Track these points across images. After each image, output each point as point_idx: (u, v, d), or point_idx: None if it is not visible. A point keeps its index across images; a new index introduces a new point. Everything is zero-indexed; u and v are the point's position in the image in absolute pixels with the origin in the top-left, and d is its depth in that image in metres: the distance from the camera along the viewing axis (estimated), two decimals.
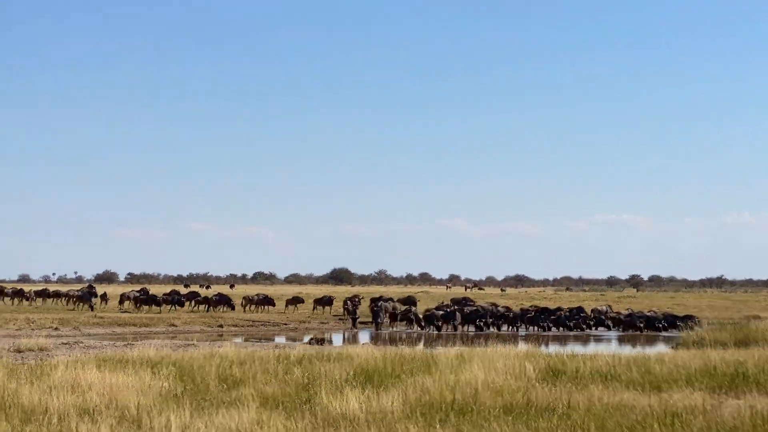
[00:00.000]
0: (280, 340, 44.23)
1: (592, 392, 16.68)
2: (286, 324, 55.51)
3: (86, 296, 62.76)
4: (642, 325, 53.74)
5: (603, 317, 57.19)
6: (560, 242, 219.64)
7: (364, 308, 58.35)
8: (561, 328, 53.81)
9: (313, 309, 64.55)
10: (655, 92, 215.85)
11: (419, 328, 52.24)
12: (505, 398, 16.04)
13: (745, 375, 19.41)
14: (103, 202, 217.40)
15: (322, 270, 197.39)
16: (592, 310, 59.84)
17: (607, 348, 35.74)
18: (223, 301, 62.84)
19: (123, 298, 64.66)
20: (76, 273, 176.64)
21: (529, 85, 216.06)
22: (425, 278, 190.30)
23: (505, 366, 19.85)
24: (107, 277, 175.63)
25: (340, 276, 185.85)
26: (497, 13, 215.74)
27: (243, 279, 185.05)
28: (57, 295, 68.96)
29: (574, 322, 54.64)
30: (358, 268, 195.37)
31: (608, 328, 55.73)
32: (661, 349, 34.99)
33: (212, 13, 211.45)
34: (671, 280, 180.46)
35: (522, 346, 29.03)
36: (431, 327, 51.95)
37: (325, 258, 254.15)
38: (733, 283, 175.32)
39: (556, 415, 14.59)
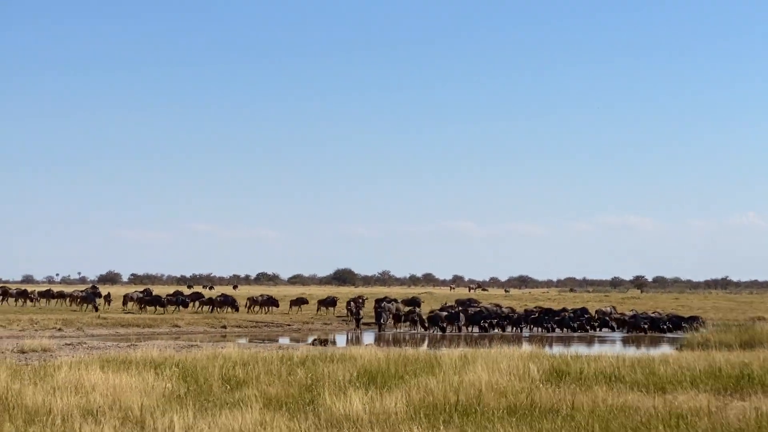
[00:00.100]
0: (284, 341, 44.24)
1: (596, 393, 16.64)
2: (289, 325, 55.50)
3: (90, 297, 62.82)
4: (646, 326, 53.67)
5: (607, 318, 57.15)
6: (564, 243, 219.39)
7: (368, 309, 58.36)
8: (565, 329, 53.77)
9: (317, 310, 64.57)
10: (658, 93, 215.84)
11: (423, 329, 52.20)
12: (509, 399, 16.00)
13: (751, 377, 19.38)
14: (106, 203, 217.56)
15: (325, 271, 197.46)
16: (597, 311, 59.81)
17: (612, 349, 35.75)
18: (227, 302, 62.76)
19: (126, 298, 64.67)
20: (79, 273, 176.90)
21: (532, 87, 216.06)
22: (429, 279, 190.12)
23: (509, 367, 19.81)
24: (110, 278, 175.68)
25: (343, 277, 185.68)
26: (501, 14, 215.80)
27: (246, 280, 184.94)
28: (61, 295, 68.97)
29: (578, 323, 54.59)
30: (362, 269, 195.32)
31: (612, 329, 55.68)
32: (665, 350, 34.94)
33: (215, 13, 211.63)
34: (675, 281, 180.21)
35: (526, 347, 28.98)
36: (435, 328, 51.90)
37: (328, 259, 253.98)
38: (738, 284, 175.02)
39: (560, 416, 14.56)
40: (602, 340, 48.68)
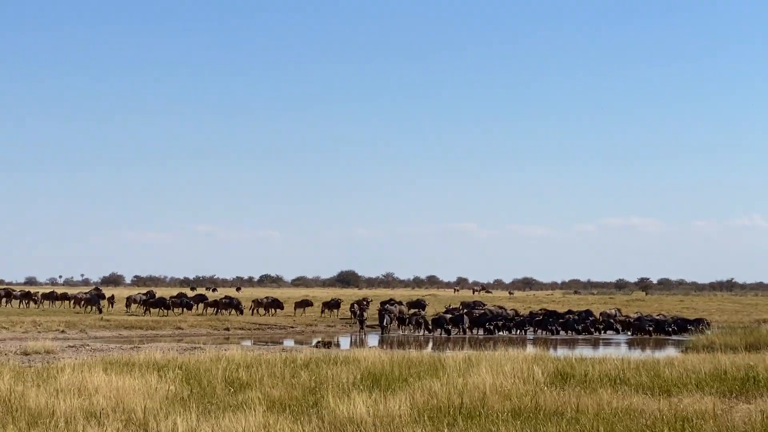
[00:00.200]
0: (287, 343, 44.22)
1: (601, 396, 16.57)
2: (293, 327, 55.47)
3: (95, 299, 62.86)
4: (651, 328, 53.56)
5: (612, 321, 57.05)
6: (568, 245, 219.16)
7: (372, 311, 58.31)
8: (569, 332, 53.66)
9: (322, 312, 64.54)
10: (663, 94, 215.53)
11: (427, 332, 52.13)
12: (513, 402, 15.94)
13: (756, 379, 19.32)
14: (109, 205, 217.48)
15: (328, 273, 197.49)
16: (601, 314, 59.70)
17: (616, 352, 35.64)
18: (232, 304, 62.73)
19: (129, 300, 64.62)
20: (82, 275, 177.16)
21: (536, 88, 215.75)
22: (433, 281, 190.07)
23: (514, 369, 19.76)
24: (113, 280, 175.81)
25: (347, 279, 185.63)
26: (504, 15, 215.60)
27: (249, 282, 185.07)
28: (65, 297, 69.00)
29: (583, 326, 54.48)
30: (365, 271, 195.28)
31: (617, 331, 55.57)
32: (670, 352, 34.87)
33: (217, 14, 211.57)
34: (681, 284, 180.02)
35: (530, 350, 28.93)
36: (440, 330, 51.83)
37: (332, 261, 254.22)
38: (744, 287, 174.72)
39: (565, 419, 14.50)
40: (607, 343, 48.59)
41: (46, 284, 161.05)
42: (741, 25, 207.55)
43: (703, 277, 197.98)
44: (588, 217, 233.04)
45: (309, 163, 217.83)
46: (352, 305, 61.22)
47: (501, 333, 52.59)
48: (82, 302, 64.01)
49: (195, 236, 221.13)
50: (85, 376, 18.31)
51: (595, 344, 46.96)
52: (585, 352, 32.46)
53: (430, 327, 52.44)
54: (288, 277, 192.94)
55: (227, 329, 52.31)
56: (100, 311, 59.71)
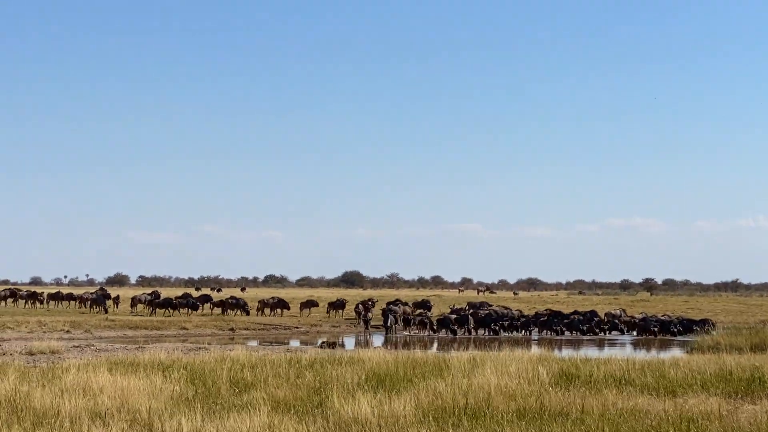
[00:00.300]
0: (292, 343, 44.21)
1: (606, 397, 16.56)
2: (297, 327, 55.47)
3: (101, 299, 62.97)
4: (656, 329, 53.51)
5: (617, 321, 57.02)
6: (573, 245, 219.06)
7: (377, 312, 58.33)
8: (574, 332, 53.62)
9: (327, 312, 64.60)
10: (667, 94, 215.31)
11: (432, 332, 52.11)
12: (518, 403, 15.93)
13: (762, 380, 19.31)
14: (114, 205, 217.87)
15: (333, 273, 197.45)
16: (606, 314, 59.67)
17: (621, 352, 35.60)
18: (238, 304, 62.84)
19: (134, 301, 64.71)
20: (87, 276, 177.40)
21: (541, 90, 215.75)
22: (437, 281, 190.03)
23: (518, 370, 19.75)
24: (118, 280, 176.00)
25: (351, 279, 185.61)
26: (507, 16, 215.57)
27: (254, 282, 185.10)
28: (71, 297, 69.09)
29: (588, 326, 54.44)
30: (370, 272, 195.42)
31: (622, 332, 55.55)
32: (675, 353, 34.81)
33: (224, 14, 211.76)
34: (685, 284, 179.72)
35: (535, 350, 28.89)
36: (444, 331, 51.79)
37: (337, 261, 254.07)
38: (748, 287, 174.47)
39: (570, 420, 14.48)
40: (612, 343, 48.54)
41: (51, 284, 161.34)
42: (743, 24, 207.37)
43: (708, 277, 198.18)
44: (592, 217, 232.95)
45: (314, 163, 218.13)
46: (356, 306, 61.22)
47: (506, 333, 52.59)
48: (88, 302, 64.10)
49: (200, 237, 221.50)
50: (90, 376, 18.31)
51: (599, 345, 46.91)
52: (590, 352, 32.43)
53: (435, 327, 52.42)
54: (292, 277, 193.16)
55: (232, 329, 52.33)
56: (106, 311, 59.80)
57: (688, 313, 67.33)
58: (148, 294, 66.52)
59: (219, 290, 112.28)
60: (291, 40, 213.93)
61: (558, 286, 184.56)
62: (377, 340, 47.53)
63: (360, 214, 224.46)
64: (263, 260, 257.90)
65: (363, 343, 42.46)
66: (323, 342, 40.46)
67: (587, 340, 50.92)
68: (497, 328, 52.88)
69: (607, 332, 55.19)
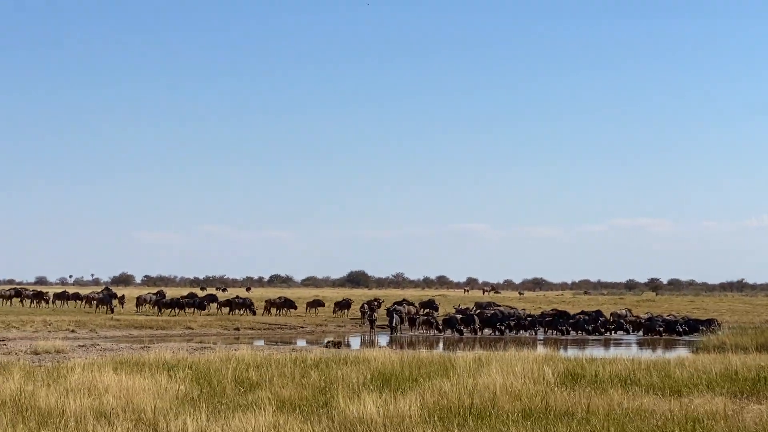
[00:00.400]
0: (297, 343, 44.21)
1: (611, 397, 16.54)
2: (302, 327, 55.47)
3: (107, 298, 63.08)
4: (661, 329, 53.46)
5: (622, 321, 56.97)
6: (578, 245, 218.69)
7: (382, 311, 58.33)
8: (580, 332, 53.59)
9: (334, 312, 64.69)
10: (674, 94, 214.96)
11: (437, 332, 52.09)
12: (523, 402, 15.91)
13: (767, 380, 19.24)
14: (120, 205, 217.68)
15: (338, 273, 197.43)
16: (612, 314, 59.64)
17: (627, 352, 35.56)
18: (245, 304, 63.02)
19: (140, 300, 64.78)
20: (92, 275, 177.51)
21: (547, 89, 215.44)
22: (443, 281, 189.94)
23: (524, 370, 19.73)
24: (124, 280, 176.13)
25: (356, 279, 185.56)
26: (512, 14, 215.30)
27: (259, 282, 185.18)
28: (77, 297, 69.17)
29: (593, 326, 54.41)
30: (375, 271, 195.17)
31: (627, 332, 55.49)
32: (681, 353, 34.78)
33: (228, 15, 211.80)
34: (691, 284, 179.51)
35: (541, 350, 28.89)
36: (450, 331, 51.78)
37: (342, 261, 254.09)
38: (754, 287, 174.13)
39: (576, 419, 14.46)
40: (617, 343, 48.50)
41: (57, 284, 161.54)
42: (749, 22, 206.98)
43: (714, 277, 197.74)
44: (598, 217, 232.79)
45: (319, 163, 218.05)
46: (362, 306, 61.21)
47: (512, 333, 52.59)
48: (94, 302, 64.21)
49: (205, 236, 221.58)
50: (95, 375, 18.34)
51: (605, 344, 46.87)
52: (595, 352, 32.43)
53: (441, 327, 52.41)
54: (298, 277, 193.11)
55: (237, 329, 52.36)
56: (112, 311, 59.89)
57: (694, 313, 67.25)
58: (154, 294, 66.56)
59: (224, 290, 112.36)
60: (295, 40, 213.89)
61: (563, 286, 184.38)
62: (382, 339, 47.52)
63: (365, 213, 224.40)
64: (268, 260, 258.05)
65: (368, 343, 42.44)
66: (328, 342, 40.45)
67: (593, 339, 50.88)
68: (503, 327, 52.87)
69: (613, 332, 55.15)
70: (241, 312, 61.78)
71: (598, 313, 58.64)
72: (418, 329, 53.48)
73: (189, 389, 17.75)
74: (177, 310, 60.84)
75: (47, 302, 67.02)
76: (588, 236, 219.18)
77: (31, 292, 70.27)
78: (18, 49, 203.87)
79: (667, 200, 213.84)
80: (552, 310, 61.83)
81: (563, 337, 51.60)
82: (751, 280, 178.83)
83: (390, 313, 54.43)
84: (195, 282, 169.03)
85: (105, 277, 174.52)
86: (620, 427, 13.88)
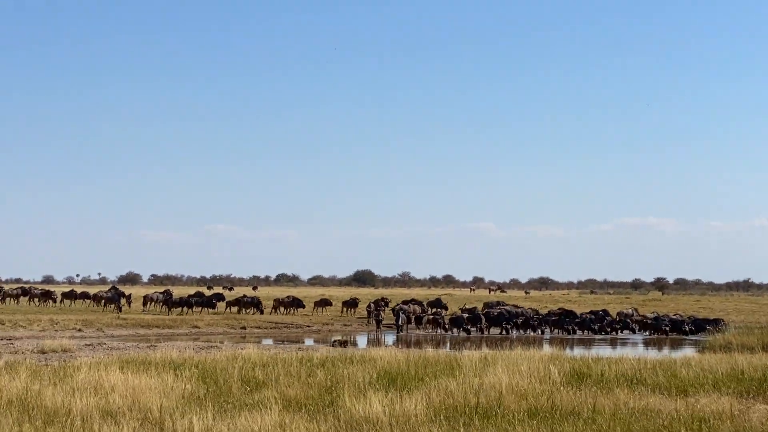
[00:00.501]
0: (304, 342, 44.22)
1: (617, 396, 16.54)
2: (309, 326, 55.50)
3: (115, 298, 63.15)
4: (668, 328, 53.43)
5: (629, 320, 56.94)
6: (585, 244, 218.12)
7: (389, 311, 58.38)
8: (586, 331, 53.59)
9: (341, 311, 64.78)
10: (680, 94, 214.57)
11: (443, 331, 52.10)
12: (529, 402, 15.91)
13: None
14: (127, 204, 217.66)
15: (345, 272, 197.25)
16: (618, 313, 59.63)
17: (633, 351, 35.56)
18: (253, 303, 63.25)
19: (146, 299, 64.88)
20: (99, 274, 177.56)
21: (554, 88, 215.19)
22: (449, 280, 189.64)
23: (530, 369, 19.73)
24: (130, 279, 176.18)
25: (363, 278, 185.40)
26: (519, 14, 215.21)
27: (266, 281, 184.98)
28: (85, 296, 69.25)
29: (599, 326, 54.41)
30: (382, 270, 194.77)
31: (633, 331, 55.49)
32: (687, 352, 34.74)
33: (233, 15, 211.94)
34: (697, 283, 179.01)
35: (547, 349, 28.87)
36: (457, 330, 51.81)
37: (348, 260, 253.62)
38: (760, 287, 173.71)
39: (581, 419, 14.46)
40: (623, 343, 48.49)
41: (63, 283, 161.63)
42: (757, 20, 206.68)
43: (720, 277, 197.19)
44: (604, 216, 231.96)
45: (325, 162, 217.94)
46: (368, 305, 61.23)
47: (519, 332, 52.62)
48: (103, 301, 64.33)
49: (212, 235, 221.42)
50: (102, 374, 18.37)
51: (611, 344, 46.86)
52: (601, 351, 32.40)
53: (447, 326, 52.43)
54: (304, 276, 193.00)
55: (244, 328, 52.41)
56: (120, 310, 59.98)
57: (700, 313, 67.21)
58: (161, 293, 66.65)
59: (231, 289, 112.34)
60: (299, 39, 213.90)
61: (569, 286, 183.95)
62: (389, 338, 47.54)
63: (372, 213, 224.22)
64: (275, 259, 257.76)
65: (374, 342, 42.48)
66: (335, 341, 40.48)
67: (599, 339, 50.88)
68: (509, 327, 52.89)
69: (619, 331, 55.14)
70: (250, 311, 61.95)
71: (605, 312, 58.61)
72: (424, 328, 53.50)
73: (195, 388, 17.77)
74: (185, 309, 60.98)
75: (54, 301, 67.08)
76: (594, 235, 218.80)
77: (39, 291, 70.34)
78: (18, 49, 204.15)
79: (673, 200, 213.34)
80: (559, 309, 61.81)
81: (569, 337, 51.61)
82: (758, 280, 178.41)
83: (396, 312, 54.48)
84: (202, 281, 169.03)
85: (112, 276, 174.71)
86: (626, 426, 13.87)
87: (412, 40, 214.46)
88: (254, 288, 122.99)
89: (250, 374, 19.90)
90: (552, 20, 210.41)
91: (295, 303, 64.66)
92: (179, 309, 61.16)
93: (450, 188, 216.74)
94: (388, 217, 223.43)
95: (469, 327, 51.88)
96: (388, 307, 60.87)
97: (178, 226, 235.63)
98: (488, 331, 52.52)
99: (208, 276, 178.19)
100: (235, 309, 63.23)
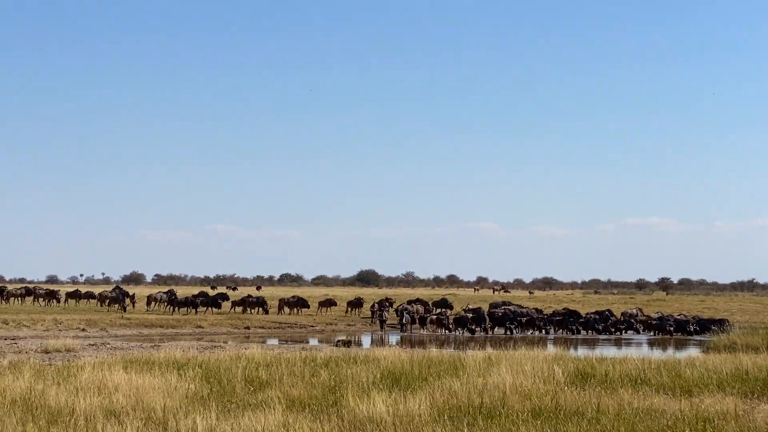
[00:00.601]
0: (308, 342, 44.22)
1: (621, 396, 16.52)
2: (313, 326, 55.49)
3: (120, 297, 63.22)
4: (672, 328, 53.39)
5: (633, 320, 56.91)
6: (589, 244, 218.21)
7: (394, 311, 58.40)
8: (590, 332, 53.55)
9: (346, 311, 64.83)
10: (683, 94, 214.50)
11: (447, 331, 52.08)
12: (533, 402, 15.89)
13: None
14: (130, 204, 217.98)
15: (348, 272, 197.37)
16: (622, 314, 59.62)
17: (637, 352, 35.50)
18: (258, 303, 63.36)
19: (150, 299, 64.93)
20: (103, 274, 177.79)
21: (557, 88, 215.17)
22: (453, 280, 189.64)
23: (534, 369, 19.71)
24: (134, 278, 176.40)
25: (366, 278, 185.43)
26: (525, 13, 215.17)
27: (270, 281, 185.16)
28: (90, 296, 69.32)
29: (603, 326, 54.37)
30: (385, 270, 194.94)
31: (637, 331, 55.43)
32: (691, 353, 34.71)
33: (237, 15, 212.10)
34: (701, 284, 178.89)
35: (551, 349, 28.84)
36: (461, 330, 51.80)
37: (352, 260, 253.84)
38: (765, 287, 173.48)
39: (585, 419, 14.43)
40: (628, 343, 48.44)
41: (67, 283, 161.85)
42: (761, 20, 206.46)
43: (724, 277, 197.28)
44: (609, 216, 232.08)
45: (329, 162, 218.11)
46: (372, 305, 61.24)
47: (523, 332, 52.60)
48: (107, 301, 64.40)
49: (215, 235, 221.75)
50: (105, 374, 18.37)
51: (615, 344, 46.80)
52: (606, 352, 32.36)
53: (451, 326, 52.44)
54: (308, 276, 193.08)
55: (247, 328, 52.42)
56: (125, 310, 60.07)
57: (704, 313, 67.14)
58: (164, 292, 66.71)
59: (235, 289, 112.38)
60: (302, 39, 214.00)
61: (573, 286, 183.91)
62: (393, 339, 47.52)
63: (375, 213, 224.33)
64: (278, 259, 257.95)
65: (378, 342, 42.44)
66: (339, 340, 40.46)
67: (603, 339, 50.83)
68: (512, 327, 52.88)
69: (623, 332, 55.08)
70: (256, 311, 62.09)
71: (609, 312, 58.59)
72: (428, 328, 53.49)
73: (199, 388, 17.76)
74: (189, 309, 61.04)
75: (59, 301, 67.14)
76: (598, 236, 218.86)
77: (44, 291, 70.43)
78: (19, 49, 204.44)
79: (677, 200, 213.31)
80: (563, 309, 61.76)
81: (573, 337, 51.58)
82: (762, 280, 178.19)
83: (400, 312, 54.45)
84: (205, 281, 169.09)
85: (115, 276, 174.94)
86: (630, 426, 13.85)
87: (414, 41, 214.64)
88: (258, 288, 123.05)
89: (253, 374, 19.90)
90: (554, 20, 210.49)
91: (300, 303, 64.72)
92: (184, 309, 61.23)
93: (453, 188, 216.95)
94: (391, 217, 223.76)
95: (473, 327, 51.87)
96: (392, 307, 60.84)
97: (182, 226, 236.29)
98: (492, 331, 52.51)
99: (211, 276, 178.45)
100: (239, 309, 63.36)
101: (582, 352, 32.83)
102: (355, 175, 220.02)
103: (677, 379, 19.46)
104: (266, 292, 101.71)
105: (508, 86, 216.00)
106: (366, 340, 46.54)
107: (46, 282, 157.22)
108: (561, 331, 54.01)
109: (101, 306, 64.25)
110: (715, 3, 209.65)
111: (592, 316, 56.26)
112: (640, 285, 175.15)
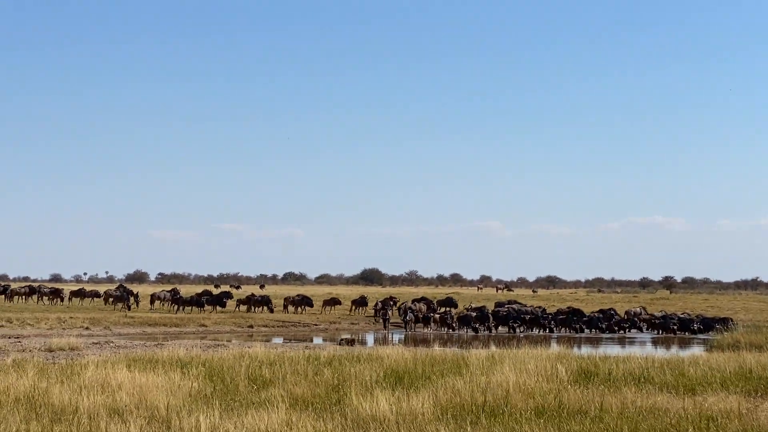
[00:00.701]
0: (311, 340, 44.23)
1: (625, 395, 16.51)
2: (316, 325, 55.50)
3: (125, 296, 63.27)
4: (676, 327, 53.35)
5: (636, 319, 56.87)
6: (592, 243, 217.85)
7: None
8: (593, 330, 53.54)
9: (350, 310, 64.85)
10: (687, 93, 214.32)
11: (451, 330, 52.07)
12: (536, 400, 15.88)
13: None
14: (134, 203, 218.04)
15: (352, 270, 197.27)
16: (626, 312, 59.55)
17: (641, 350, 35.49)
18: (263, 301, 63.48)
19: (154, 298, 65.00)
20: (107, 273, 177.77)
21: (561, 88, 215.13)
22: (456, 279, 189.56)
23: (537, 368, 19.70)
24: (138, 277, 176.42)
25: (370, 277, 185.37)
26: (528, 13, 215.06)
27: (273, 279, 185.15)
28: (95, 295, 69.38)
29: (607, 324, 54.35)
30: (389, 269, 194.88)
31: (641, 330, 55.39)
32: (695, 351, 34.69)
33: (242, 14, 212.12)
34: (705, 282, 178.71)
35: (554, 348, 28.83)
36: (465, 328, 51.79)
37: (356, 258, 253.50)
38: None
39: (589, 418, 14.43)
40: (631, 341, 48.40)
41: (71, 281, 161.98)
42: (764, 19, 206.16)
43: (728, 275, 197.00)
44: (612, 215, 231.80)
45: (332, 161, 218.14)
46: (376, 303, 61.25)
47: (526, 331, 52.60)
48: (111, 299, 64.46)
49: (219, 234, 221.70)
50: (109, 372, 18.39)
51: (619, 343, 46.78)
52: (609, 350, 32.35)
53: (455, 325, 52.43)
54: (311, 274, 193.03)
55: (251, 326, 52.42)
56: (129, 308, 60.12)
57: (708, 312, 67.10)
58: (168, 291, 66.76)
59: (238, 287, 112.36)
60: (305, 39, 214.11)
61: (577, 284, 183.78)
62: (396, 337, 47.52)
63: (379, 211, 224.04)
64: (282, 258, 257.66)
65: (382, 341, 42.45)
66: (342, 339, 40.45)
67: (607, 338, 50.80)
68: (516, 325, 52.87)
69: (627, 330, 55.05)
70: (261, 309, 62.17)
71: (613, 311, 58.57)
72: (432, 327, 53.48)
73: (202, 387, 17.78)
74: (198, 308, 61.12)
75: (62, 300, 67.22)
76: (602, 234, 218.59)
77: (48, 290, 70.50)
78: (21, 49, 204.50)
79: (681, 198, 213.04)
80: (567, 308, 61.73)
81: (577, 335, 51.56)
82: (766, 279, 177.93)
83: (403, 311, 54.46)
84: (209, 279, 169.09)
85: (119, 275, 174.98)
86: (633, 425, 13.84)
87: (417, 41, 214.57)
88: (262, 286, 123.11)
89: (257, 372, 19.91)
90: (557, 20, 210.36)
91: (305, 301, 64.76)
92: (188, 307, 61.29)
93: (457, 187, 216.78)
94: (394, 215, 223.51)
95: (476, 326, 51.86)
96: (395, 306, 60.84)
97: (185, 224, 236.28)
98: (496, 330, 52.50)
99: (215, 274, 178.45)
100: (244, 308, 63.42)
101: (585, 350, 32.80)
102: (359, 173, 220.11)
103: (681, 377, 19.46)
104: (270, 290, 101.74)
105: (512, 86, 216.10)
106: (370, 339, 46.53)
107: (50, 280, 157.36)
108: (564, 329, 53.98)
109: (105, 305, 64.31)
110: (720, 2, 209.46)
111: (595, 314, 56.22)
112: (644, 284, 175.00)
